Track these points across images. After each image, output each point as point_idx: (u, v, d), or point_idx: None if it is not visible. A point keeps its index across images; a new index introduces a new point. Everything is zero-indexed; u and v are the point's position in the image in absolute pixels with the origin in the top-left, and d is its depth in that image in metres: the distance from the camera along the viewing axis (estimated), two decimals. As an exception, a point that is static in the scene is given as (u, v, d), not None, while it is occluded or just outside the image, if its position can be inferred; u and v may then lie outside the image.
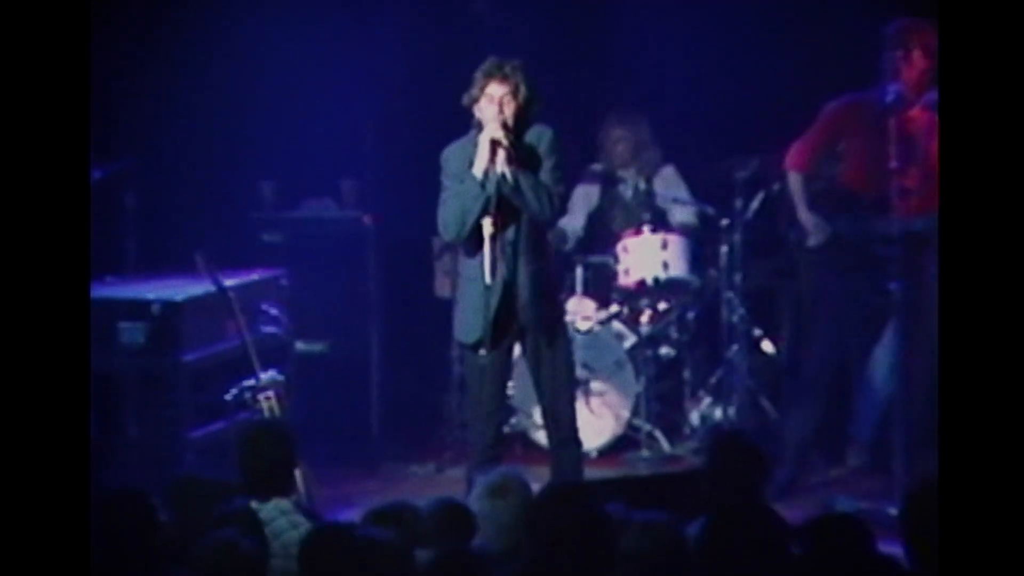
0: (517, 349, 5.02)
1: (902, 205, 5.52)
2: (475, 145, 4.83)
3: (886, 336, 5.84)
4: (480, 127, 4.85)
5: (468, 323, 4.89)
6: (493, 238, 4.78)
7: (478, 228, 4.81)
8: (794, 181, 5.87)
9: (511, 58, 4.85)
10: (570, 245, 6.64)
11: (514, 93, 4.80)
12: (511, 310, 4.85)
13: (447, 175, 4.90)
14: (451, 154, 4.91)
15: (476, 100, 4.85)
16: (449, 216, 4.85)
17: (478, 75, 4.84)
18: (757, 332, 6.56)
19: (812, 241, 5.87)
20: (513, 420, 6.42)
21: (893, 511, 4.80)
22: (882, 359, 5.89)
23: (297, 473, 4.46)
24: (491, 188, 4.75)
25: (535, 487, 3.89)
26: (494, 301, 4.81)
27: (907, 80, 5.59)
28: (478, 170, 4.78)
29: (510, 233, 4.83)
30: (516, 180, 4.76)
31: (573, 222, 6.68)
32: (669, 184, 6.67)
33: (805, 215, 5.86)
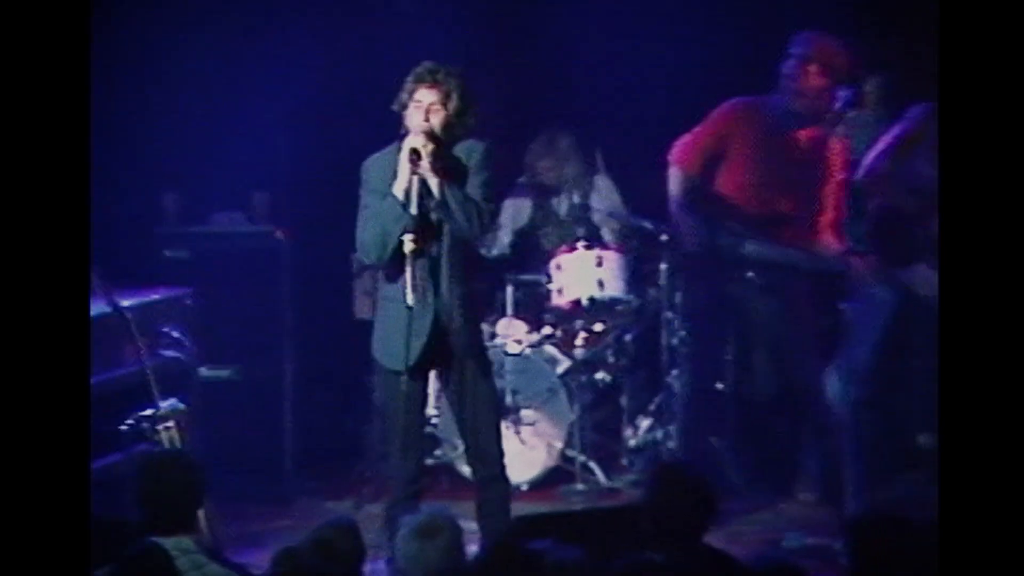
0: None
1: (775, 231, 5.56)
2: (394, 161, 4.74)
3: (834, 362, 5.85)
4: (407, 136, 4.76)
5: (392, 347, 4.78)
6: (415, 255, 4.69)
7: (400, 245, 4.72)
8: (674, 177, 5.85)
9: (445, 62, 4.77)
10: (494, 252, 6.59)
11: (444, 101, 4.72)
12: (436, 335, 4.76)
13: (367, 189, 4.80)
14: (372, 165, 4.82)
15: (405, 106, 4.76)
16: (369, 238, 4.76)
17: (409, 79, 4.76)
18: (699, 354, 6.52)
19: (686, 245, 5.85)
20: (438, 452, 6.34)
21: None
22: (830, 386, 5.89)
23: (200, 510, 4.35)
24: (413, 206, 4.66)
25: (464, 524, 3.83)
26: (419, 324, 4.73)
27: (800, 94, 5.62)
28: (399, 188, 4.69)
29: (434, 251, 4.75)
30: (442, 194, 4.67)
31: (499, 234, 6.64)
32: (604, 197, 6.65)
33: (679, 215, 5.85)
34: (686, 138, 5.84)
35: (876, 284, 5.63)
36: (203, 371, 6.04)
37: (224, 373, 6.26)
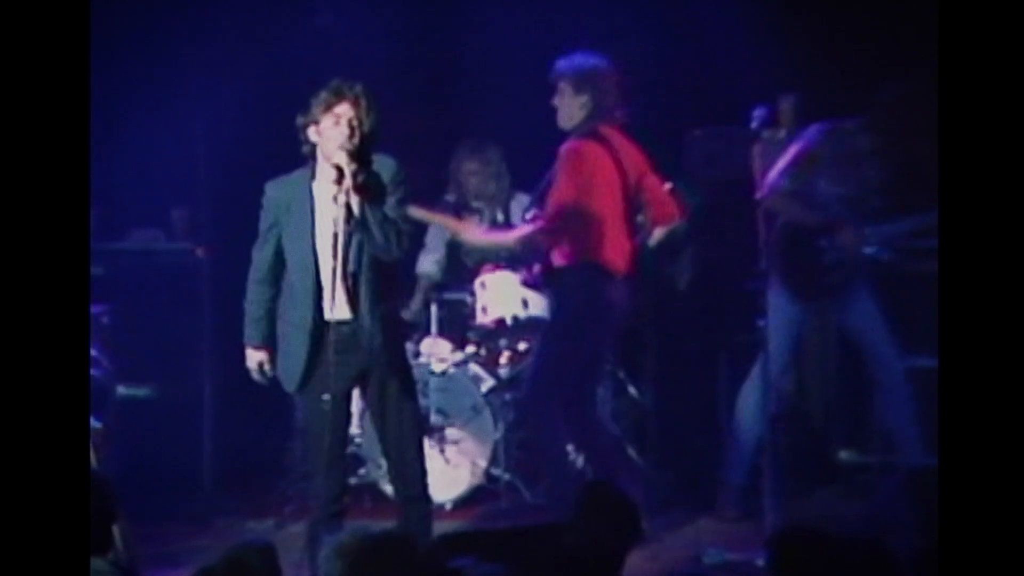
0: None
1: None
2: (304, 181, 4.70)
3: (751, 377, 5.88)
4: (314, 157, 4.71)
5: (291, 366, 4.76)
6: (334, 272, 4.64)
7: (315, 264, 4.67)
8: None
9: (357, 79, 4.76)
10: (439, 280, 6.57)
11: (362, 116, 4.68)
12: (354, 353, 4.72)
13: (266, 213, 4.79)
14: (274, 190, 4.81)
15: (316, 121, 4.70)
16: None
17: (324, 94, 4.71)
18: (622, 374, 6.52)
19: None
20: (362, 471, 6.29)
21: (762, 562, 4.81)
22: (748, 402, 5.92)
23: (115, 529, 4.26)
24: (340, 224, 4.65)
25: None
26: (338, 342, 4.68)
27: (559, 110, 5.79)
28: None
29: (352, 266, 4.71)
30: (362, 213, 4.63)
31: (435, 256, 6.61)
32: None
33: None
34: None
35: (786, 301, 5.69)
36: (120, 389, 5.96)
37: (141, 391, 6.18)
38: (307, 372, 4.73)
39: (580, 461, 6.32)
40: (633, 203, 5.74)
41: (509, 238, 5.99)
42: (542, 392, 5.70)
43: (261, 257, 4.83)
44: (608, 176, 5.69)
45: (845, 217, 5.79)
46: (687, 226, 5.94)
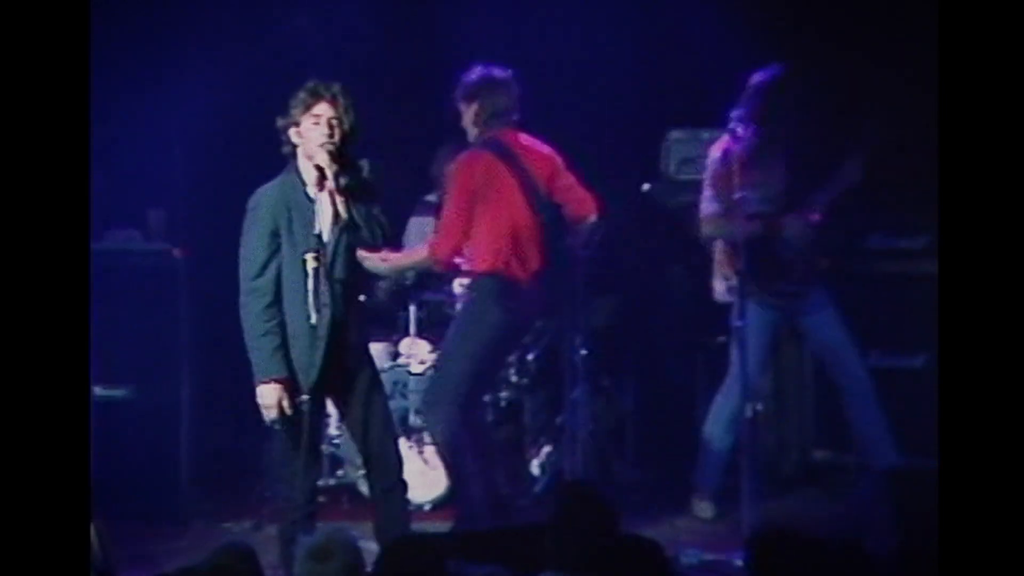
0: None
1: None
2: (296, 183, 4.70)
3: (725, 385, 5.91)
4: (295, 158, 4.71)
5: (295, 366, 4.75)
6: (317, 272, 4.64)
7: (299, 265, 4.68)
8: None
9: (337, 80, 4.77)
10: (410, 279, 6.57)
11: (342, 116, 4.69)
12: (339, 352, 4.72)
13: (255, 219, 4.76)
14: (262, 200, 4.78)
15: (296, 123, 4.71)
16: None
17: (301, 95, 4.72)
18: (600, 375, 6.54)
19: None
20: (340, 472, 6.28)
21: (739, 561, 4.84)
22: (722, 409, 5.94)
23: (91, 530, 4.25)
24: (327, 230, 4.67)
25: (363, 545, 3.82)
26: (322, 342, 4.67)
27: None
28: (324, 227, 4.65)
29: (337, 269, 4.71)
30: (348, 213, 4.64)
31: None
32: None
33: None
34: None
35: (757, 305, 5.72)
36: (97, 391, 5.94)
37: (118, 393, 6.16)
38: (309, 368, 4.68)
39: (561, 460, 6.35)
40: (542, 204, 5.76)
41: (410, 260, 5.90)
42: (441, 394, 5.73)
43: (267, 279, 4.75)
44: (503, 182, 5.70)
45: (778, 212, 5.84)
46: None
